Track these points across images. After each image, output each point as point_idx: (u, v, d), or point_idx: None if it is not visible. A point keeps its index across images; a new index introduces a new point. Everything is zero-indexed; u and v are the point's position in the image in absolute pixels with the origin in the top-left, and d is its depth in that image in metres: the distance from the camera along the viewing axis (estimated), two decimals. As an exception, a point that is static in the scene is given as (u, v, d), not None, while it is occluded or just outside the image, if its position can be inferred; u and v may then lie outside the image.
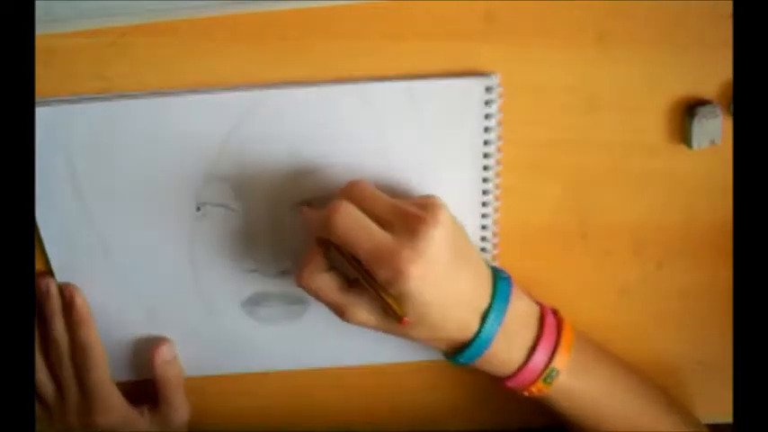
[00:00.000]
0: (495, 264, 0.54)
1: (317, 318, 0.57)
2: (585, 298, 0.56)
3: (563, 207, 0.54)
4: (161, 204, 0.52)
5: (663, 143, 0.52)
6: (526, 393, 0.51)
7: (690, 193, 0.54)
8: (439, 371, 0.60)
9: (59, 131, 0.50)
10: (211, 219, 0.53)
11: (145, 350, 0.58)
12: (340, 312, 0.49)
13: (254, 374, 0.60)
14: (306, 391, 0.61)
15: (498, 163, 0.52)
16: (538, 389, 0.51)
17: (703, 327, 0.58)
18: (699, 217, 0.55)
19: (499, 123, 0.51)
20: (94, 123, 0.50)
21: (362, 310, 0.48)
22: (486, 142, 0.51)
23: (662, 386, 0.57)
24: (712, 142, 0.51)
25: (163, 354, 0.57)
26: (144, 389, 0.59)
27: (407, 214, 0.46)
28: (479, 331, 0.48)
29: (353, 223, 0.46)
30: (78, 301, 0.55)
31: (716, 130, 0.51)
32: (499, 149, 0.51)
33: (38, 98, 0.49)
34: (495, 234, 0.54)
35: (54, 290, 0.55)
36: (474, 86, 0.49)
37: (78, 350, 0.55)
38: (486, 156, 0.51)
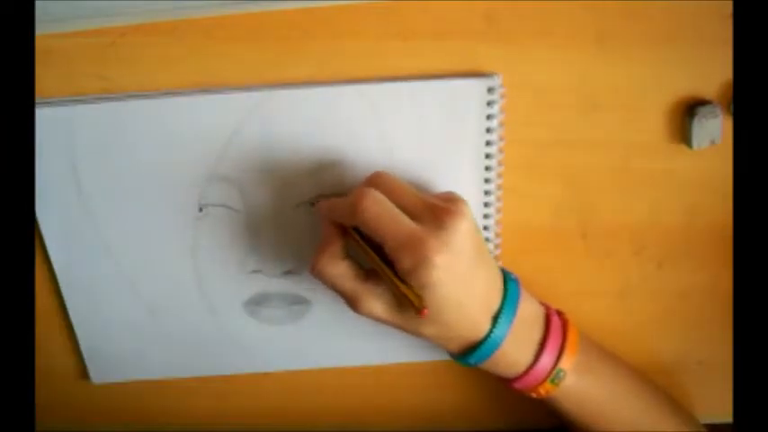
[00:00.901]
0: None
1: (319, 318, 0.57)
2: (585, 298, 0.56)
3: (563, 207, 0.54)
4: (163, 205, 0.52)
5: (663, 143, 0.52)
6: (533, 395, 0.51)
7: (690, 194, 0.54)
8: (439, 372, 0.60)
9: (61, 132, 0.50)
10: (214, 219, 0.53)
11: (146, 351, 0.58)
12: (354, 302, 0.48)
13: (255, 374, 0.60)
14: (307, 392, 0.61)
15: (500, 164, 0.52)
16: (545, 390, 0.51)
17: (703, 327, 0.58)
18: (699, 217, 0.55)
19: (501, 124, 0.51)
20: (96, 124, 0.50)
21: (377, 302, 0.48)
22: (487, 143, 0.51)
23: (662, 387, 0.57)
24: (712, 142, 0.51)
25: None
26: (141, 393, 0.59)
27: (434, 206, 0.46)
28: (490, 332, 0.48)
29: (381, 209, 0.45)
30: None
31: (716, 130, 0.51)
32: (501, 150, 0.51)
33: (39, 99, 0.49)
34: (497, 234, 0.54)
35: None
36: (476, 87, 0.49)
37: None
38: (487, 156, 0.51)
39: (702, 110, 0.50)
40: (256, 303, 0.56)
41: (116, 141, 0.50)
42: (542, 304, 0.52)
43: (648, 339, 0.59)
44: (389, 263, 0.46)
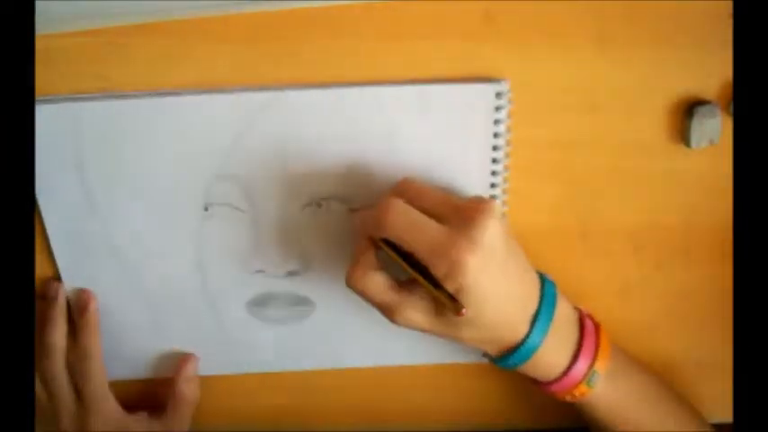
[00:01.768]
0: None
1: (322, 320, 0.57)
2: (585, 298, 0.56)
3: (562, 207, 0.54)
4: (168, 204, 0.52)
5: (662, 143, 0.52)
6: (567, 398, 0.51)
7: (689, 193, 0.54)
8: (441, 374, 0.60)
9: (66, 130, 0.49)
10: (219, 219, 0.53)
11: (148, 349, 0.58)
12: (390, 312, 0.47)
13: (257, 375, 0.60)
14: (308, 392, 0.61)
15: (506, 168, 0.52)
16: (581, 392, 0.51)
17: (703, 327, 0.58)
18: (698, 217, 0.55)
19: (508, 129, 0.51)
20: (101, 121, 0.49)
21: (414, 310, 0.47)
22: (494, 147, 0.51)
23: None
24: (711, 142, 0.51)
25: (187, 371, 0.58)
26: (142, 392, 0.59)
27: (461, 206, 0.46)
28: (529, 334, 0.48)
29: (407, 219, 0.45)
30: (92, 306, 0.55)
31: (715, 130, 0.51)
32: (507, 154, 0.51)
33: (43, 96, 0.48)
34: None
35: (61, 296, 0.55)
36: (484, 92, 0.49)
37: (79, 357, 0.55)
38: (494, 161, 0.51)
39: (702, 110, 0.50)
40: (260, 303, 0.56)
41: (121, 139, 0.50)
42: (575, 308, 0.52)
43: (648, 339, 0.59)
44: (423, 269, 0.46)
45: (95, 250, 0.54)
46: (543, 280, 0.50)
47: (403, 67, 0.49)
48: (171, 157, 0.51)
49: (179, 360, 0.58)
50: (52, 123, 0.49)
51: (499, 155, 0.51)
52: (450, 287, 0.45)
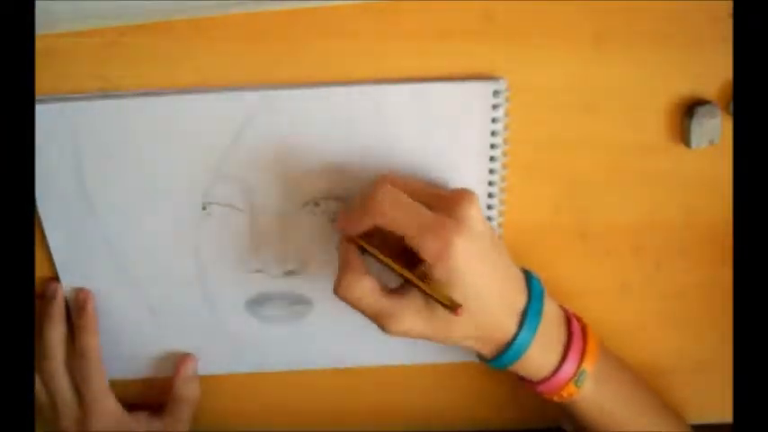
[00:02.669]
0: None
1: (320, 319, 0.57)
2: (585, 298, 0.56)
3: (562, 207, 0.54)
4: (167, 203, 0.52)
5: (662, 143, 0.52)
6: (555, 398, 0.51)
7: (689, 193, 0.54)
8: (440, 373, 0.60)
9: (65, 131, 0.50)
10: (217, 218, 0.53)
11: (147, 349, 0.58)
12: (384, 321, 0.47)
13: (256, 374, 0.60)
14: (307, 392, 0.61)
15: (504, 167, 0.52)
16: (569, 392, 0.51)
17: (702, 326, 0.58)
18: (698, 217, 0.55)
19: (505, 127, 0.51)
20: (100, 121, 0.49)
21: (408, 315, 0.47)
22: (492, 145, 0.51)
23: (659, 387, 0.57)
24: (711, 142, 0.51)
25: (187, 370, 0.58)
26: (142, 392, 0.59)
27: (443, 195, 0.47)
28: (519, 331, 0.48)
29: (397, 198, 0.46)
30: (90, 306, 0.55)
31: (715, 130, 0.51)
32: (504, 153, 0.52)
33: (42, 96, 0.49)
34: (499, 236, 0.54)
35: (60, 296, 0.55)
36: (482, 90, 0.49)
37: (79, 357, 0.55)
38: (491, 159, 0.51)
39: (701, 110, 0.50)
40: (258, 303, 0.56)
41: (121, 139, 0.50)
42: (561, 307, 0.52)
43: (647, 338, 0.59)
44: (410, 268, 0.46)
45: (93, 250, 0.54)
46: (529, 277, 0.50)
47: (402, 66, 0.49)
48: (169, 157, 0.51)
49: (178, 360, 0.58)
50: (52, 123, 0.49)
51: (497, 153, 0.51)
52: (440, 271, 0.45)
